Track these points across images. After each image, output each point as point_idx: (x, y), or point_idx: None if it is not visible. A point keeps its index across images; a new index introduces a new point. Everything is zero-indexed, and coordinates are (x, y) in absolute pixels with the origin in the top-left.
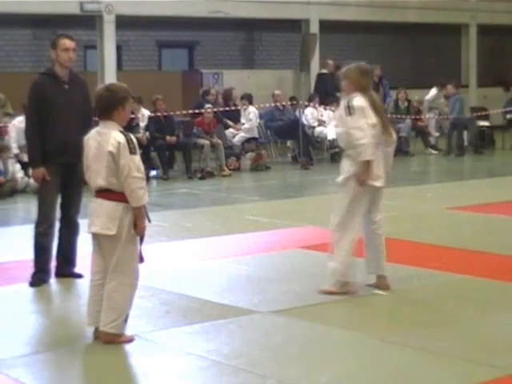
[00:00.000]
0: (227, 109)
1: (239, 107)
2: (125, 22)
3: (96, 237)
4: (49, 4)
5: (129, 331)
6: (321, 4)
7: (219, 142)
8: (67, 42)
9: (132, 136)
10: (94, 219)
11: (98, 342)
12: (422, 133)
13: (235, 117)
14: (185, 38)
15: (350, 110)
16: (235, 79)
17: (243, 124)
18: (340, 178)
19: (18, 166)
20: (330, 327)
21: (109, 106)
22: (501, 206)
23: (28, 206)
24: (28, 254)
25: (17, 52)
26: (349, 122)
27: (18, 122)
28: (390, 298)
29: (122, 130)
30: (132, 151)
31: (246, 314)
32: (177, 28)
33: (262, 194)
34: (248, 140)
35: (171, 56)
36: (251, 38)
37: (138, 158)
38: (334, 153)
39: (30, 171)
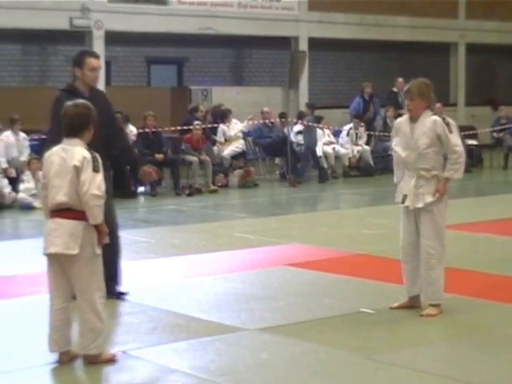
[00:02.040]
0: (215, 125)
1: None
2: (114, 38)
3: (56, 258)
4: (38, 19)
5: (115, 348)
6: (310, 22)
7: (207, 158)
8: (94, 62)
9: (97, 155)
10: (54, 239)
11: (68, 365)
12: None
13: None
14: (174, 54)
15: (449, 127)
16: (224, 96)
17: (226, 140)
18: (426, 201)
19: (5, 181)
20: (317, 345)
21: (83, 123)
22: (488, 225)
23: (15, 222)
24: (14, 269)
25: (5, 67)
26: (451, 139)
27: (6, 137)
28: (376, 316)
29: (87, 147)
30: (95, 169)
31: (232, 332)
32: (166, 44)
33: (250, 211)
34: (236, 156)
35: (160, 72)
36: (240, 55)
37: (100, 177)
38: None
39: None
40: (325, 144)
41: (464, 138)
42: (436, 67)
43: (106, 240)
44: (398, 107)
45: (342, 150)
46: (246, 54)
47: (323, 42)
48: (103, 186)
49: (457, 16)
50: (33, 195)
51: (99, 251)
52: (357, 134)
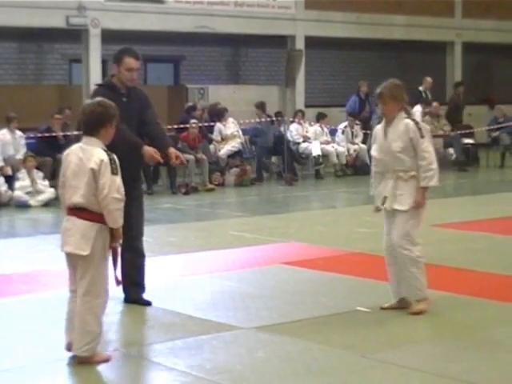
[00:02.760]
0: (212, 124)
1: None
2: (110, 36)
3: (70, 256)
4: (35, 17)
5: (111, 346)
6: (307, 20)
7: (204, 157)
8: (133, 63)
9: (115, 156)
10: (67, 238)
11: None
12: None
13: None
14: (170, 52)
15: (421, 131)
16: (221, 94)
17: (223, 139)
18: (407, 205)
19: (1, 179)
20: (312, 343)
21: (99, 121)
22: (484, 224)
23: (11, 220)
24: (9, 267)
25: (2, 65)
26: (421, 144)
27: (3, 135)
28: (372, 314)
29: (105, 148)
30: (114, 171)
31: (228, 330)
32: (162, 43)
33: (246, 209)
34: (233, 155)
35: (157, 70)
36: (237, 54)
37: (118, 179)
38: (318, 169)
39: None
40: (323, 143)
41: (461, 136)
42: (433, 66)
43: (118, 244)
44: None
45: (340, 149)
46: (242, 53)
47: (320, 40)
48: (122, 189)
49: (453, 15)
50: (28, 193)
51: (109, 255)
52: (353, 132)
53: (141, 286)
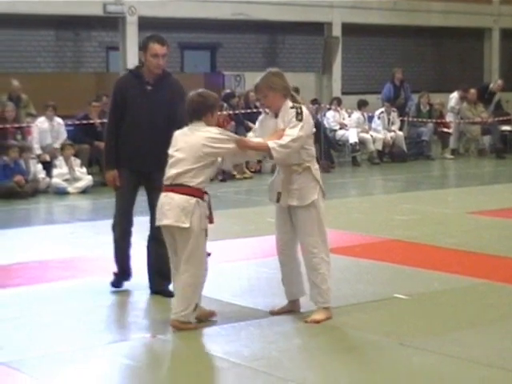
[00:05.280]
0: (248, 111)
1: (260, 110)
2: (147, 24)
3: (168, 230)
4: (72, 5)
5: (149, 331)
6: (344, 7)
7: None
8: (158, 48)
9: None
10: (166, 212)
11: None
12: (442, 137)
13: (256, 119)
14: (207, 40)
15: (301, 116)
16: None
17: None
18: (306, 200)
19: (39, 167)
20: (350, 330)
21: (199, 110)
22: None
23: (50, 207)
24: (48, 254)
25: (40, 52)
26: (295, 127)
27: (40, 123)
28: (410, 301)
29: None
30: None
31: (265, 317)
32: (199, 30)
33: None
34: None
35: (193, 58)
36: (274, 41)
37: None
38: (355, 156)
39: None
40: (363, 131)
41: (498, 123)
42: (470, 53)
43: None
44: (486, 103)
45: (376, 135)
46: (279, 40)
47: (356, 27)
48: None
49: (491, 1)
50: (66, 180)
51: (206, 226)
52: (389, 119)
53: (166, 277)
